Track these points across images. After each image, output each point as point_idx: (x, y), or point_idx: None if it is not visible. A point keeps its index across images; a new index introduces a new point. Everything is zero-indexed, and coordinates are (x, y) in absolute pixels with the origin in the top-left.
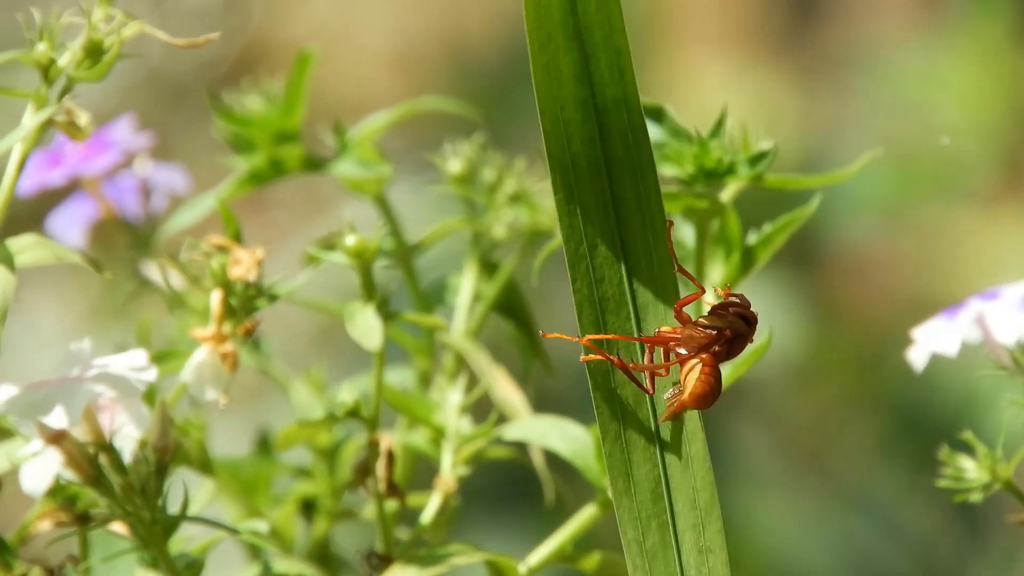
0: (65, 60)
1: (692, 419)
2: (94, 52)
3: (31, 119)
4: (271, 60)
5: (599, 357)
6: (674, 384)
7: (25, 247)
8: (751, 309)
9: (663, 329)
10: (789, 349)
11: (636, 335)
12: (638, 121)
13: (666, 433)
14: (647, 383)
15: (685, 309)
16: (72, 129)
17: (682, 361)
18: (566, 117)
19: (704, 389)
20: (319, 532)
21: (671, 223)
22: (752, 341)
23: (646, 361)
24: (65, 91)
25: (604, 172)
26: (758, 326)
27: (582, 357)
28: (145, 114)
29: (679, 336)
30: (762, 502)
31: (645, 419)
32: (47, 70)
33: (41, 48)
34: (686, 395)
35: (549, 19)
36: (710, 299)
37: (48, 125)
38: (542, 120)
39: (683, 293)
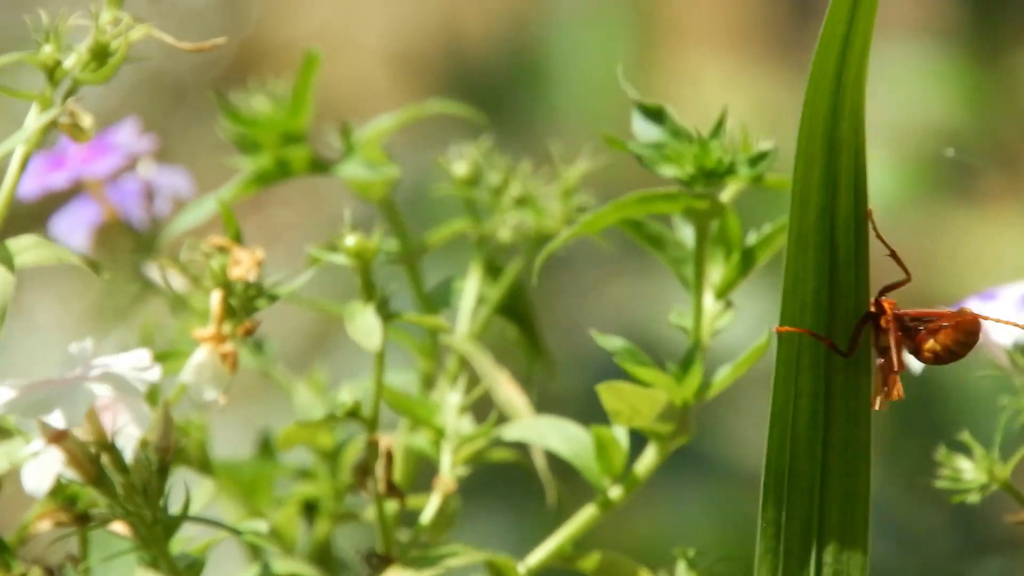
0: (71, 62)
1: (864, 411)
2: (100, 54)
3: (35, 120)
4: (270, 60)
5: (796, 330)
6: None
7: (25, 247)
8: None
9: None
10: None
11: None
12: (861, 103)
13: (836, 423)
14: (895, 359)
15: None
16: (76, 131)
17: (921, 339)
18: (823, 88)
19: (971, 321)
20: (321, 534)
21: (871, 211)
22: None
23: (890, 341)
24: (70, 93)
25: (834, 150)
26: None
27: (776, 328)
28: (144, 114)
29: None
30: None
31: (817, 409)
32: (52, 72)
33: (47, 50)
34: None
35: None
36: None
37: (51, 127)
38: (808, 91)
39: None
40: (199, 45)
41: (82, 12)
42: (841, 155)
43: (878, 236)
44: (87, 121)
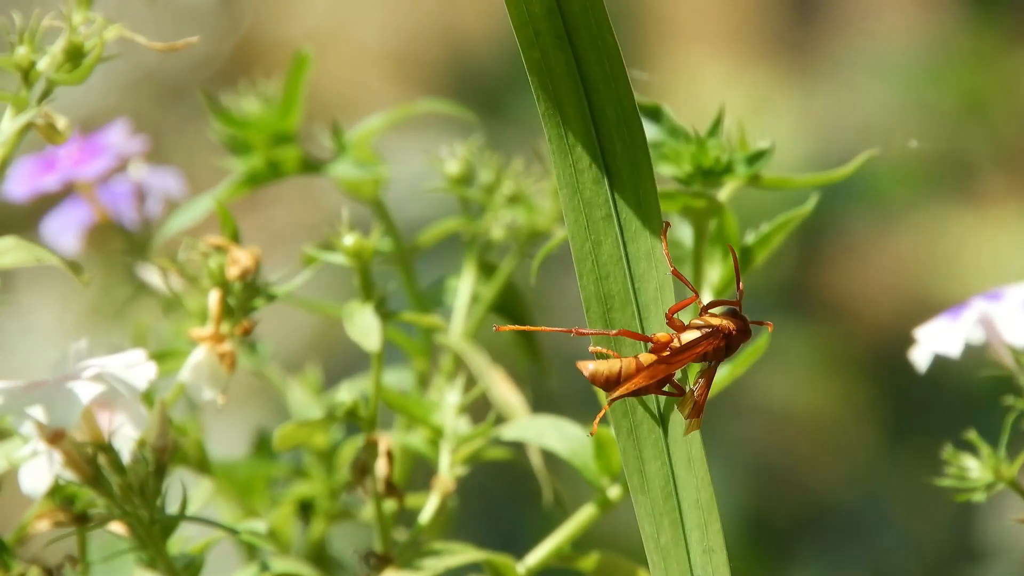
0: (45, 63)
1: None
2: (75, 55)
3: (11, 123)
4: (265, 58)
5: (606, 351)
6: (688, 395)
7: (6, 249)
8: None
9: (659, 336)
10: (789, 349)
11: (640, 331)
12: (633, 119)
13: (670, 433)
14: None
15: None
16: (51, 132)
17: (682, 360)
18: (566, 117)
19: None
20: (316, 533)
21: (667, 224)
22: (749, 335)
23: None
24: (45, 94)
25: (604, 175)
26: (753, 325)
27: (591, 348)
28: (141, 114)
29: (676, 339)
30: (762, 502)
31: (653, 417)
32: (27, 73)
33: (22, 51)
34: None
35: (533, 17)
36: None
37: (28, 129)
38: (545, 125)
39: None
40: (170, 45)
41: (55, 13)
42: (623, 176)
43: (666, 253)
44: (62, 123)
